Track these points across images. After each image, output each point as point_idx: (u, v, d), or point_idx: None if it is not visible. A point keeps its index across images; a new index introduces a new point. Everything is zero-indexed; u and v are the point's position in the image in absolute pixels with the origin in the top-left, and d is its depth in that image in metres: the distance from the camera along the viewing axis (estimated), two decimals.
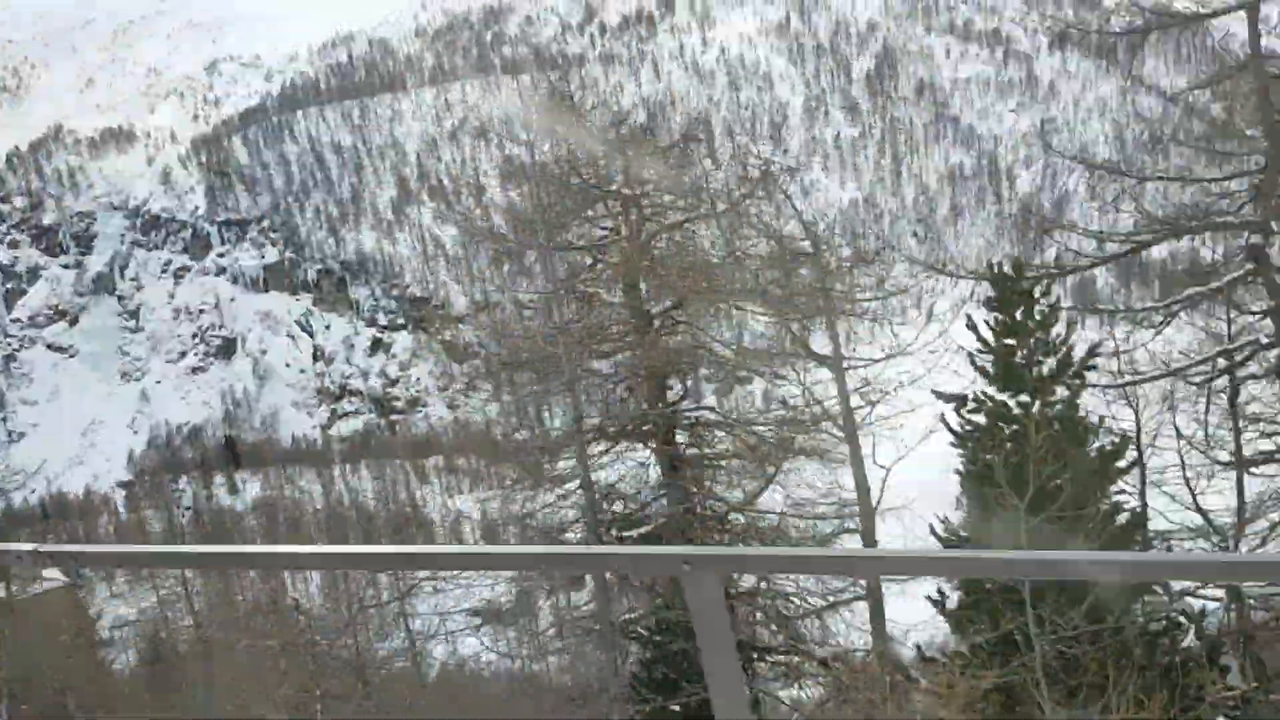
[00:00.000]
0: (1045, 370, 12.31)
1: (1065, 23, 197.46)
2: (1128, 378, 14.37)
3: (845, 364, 16.06)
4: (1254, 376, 14.54)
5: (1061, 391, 12.53)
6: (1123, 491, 13.49)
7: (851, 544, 15.77)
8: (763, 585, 15.37)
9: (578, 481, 15.75)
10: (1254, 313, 14.34)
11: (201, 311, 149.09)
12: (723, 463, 16.15)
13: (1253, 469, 14.30)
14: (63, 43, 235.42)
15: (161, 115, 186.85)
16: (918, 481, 15.29)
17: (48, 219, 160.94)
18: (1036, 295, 12.65)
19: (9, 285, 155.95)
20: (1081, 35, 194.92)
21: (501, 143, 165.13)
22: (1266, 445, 14.49)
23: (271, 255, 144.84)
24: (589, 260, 16.80)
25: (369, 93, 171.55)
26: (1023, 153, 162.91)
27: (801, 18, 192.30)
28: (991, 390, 12.53)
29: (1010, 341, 12.50)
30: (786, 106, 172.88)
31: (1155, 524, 14.07)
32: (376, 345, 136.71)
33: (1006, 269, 13.09)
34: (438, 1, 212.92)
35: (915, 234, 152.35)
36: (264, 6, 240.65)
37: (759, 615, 15.95)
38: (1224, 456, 14.35)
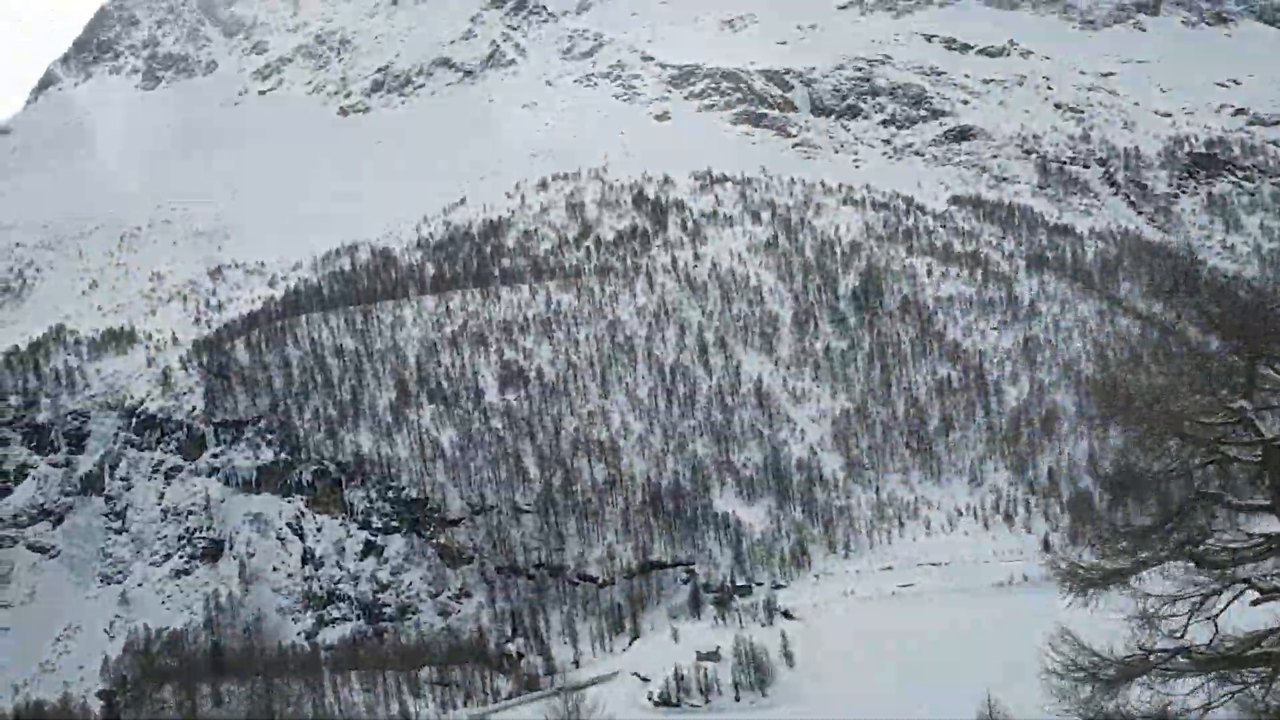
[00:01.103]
0: None
1: (1042, 248, 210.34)
2: None
3: None
4: None
5: None
6: None
7: None
8: None
9: None
10: None
11: (190, 513, 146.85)
12: None
13: None
14: (69, 248, 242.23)
15: (163, 318, 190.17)
16: None
17: (41, 417, 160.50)
18: None
19: None
20: (1058, 261, 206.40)
21: (502, 350, 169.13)
22: None
23: (267, 456, 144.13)
24: None
25: (371, 299, 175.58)
26: (1008, 368, 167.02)
27: (789, 237, 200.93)
28: None
29: None
30: (777, 319, 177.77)
31: None
32: (369, 549, 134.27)
33: None
34: (439, 216, 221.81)
35: (908, 445, 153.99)
36: (269, 218, 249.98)
37: None
38: None
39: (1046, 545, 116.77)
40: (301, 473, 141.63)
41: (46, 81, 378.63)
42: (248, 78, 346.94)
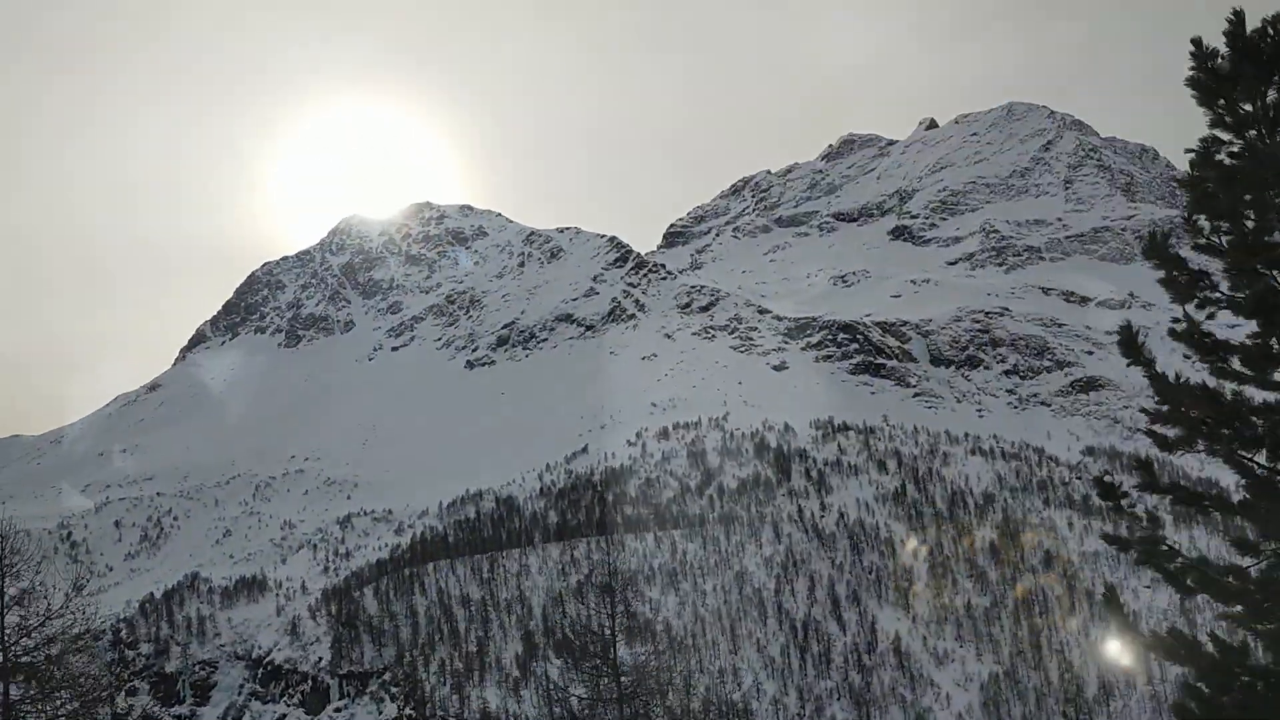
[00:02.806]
0: None
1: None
2: None
3: None
4: None
5: None
6: None
7: None
8: None
9: None
10: None
11: None
12: None
13: None
14: (206, 498, 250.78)
15: (293, 566, 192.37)
16: None
17: (170, 666, 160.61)
18: None
19: None
20: (1206, 517, 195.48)
21: (628, 601, 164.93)
22: None
23: (390, 711, 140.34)
24: None
25: (496, 547, 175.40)
26: (1165, 625, 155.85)
27: (917, 486, 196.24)
28: None
29: None
30: (912, 573, 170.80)
31: None
32: None
33: None
34: (561, 464, 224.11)
35: (1064, 713, 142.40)
36: (397, 467, 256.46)
37: None
38: None
39: None
40: None
41: (196, 340, 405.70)
42: (382, 335, 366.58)
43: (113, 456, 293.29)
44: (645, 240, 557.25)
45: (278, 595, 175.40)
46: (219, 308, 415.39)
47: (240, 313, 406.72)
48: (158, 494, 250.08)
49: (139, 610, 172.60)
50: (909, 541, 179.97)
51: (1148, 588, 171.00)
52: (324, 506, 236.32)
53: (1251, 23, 10.62)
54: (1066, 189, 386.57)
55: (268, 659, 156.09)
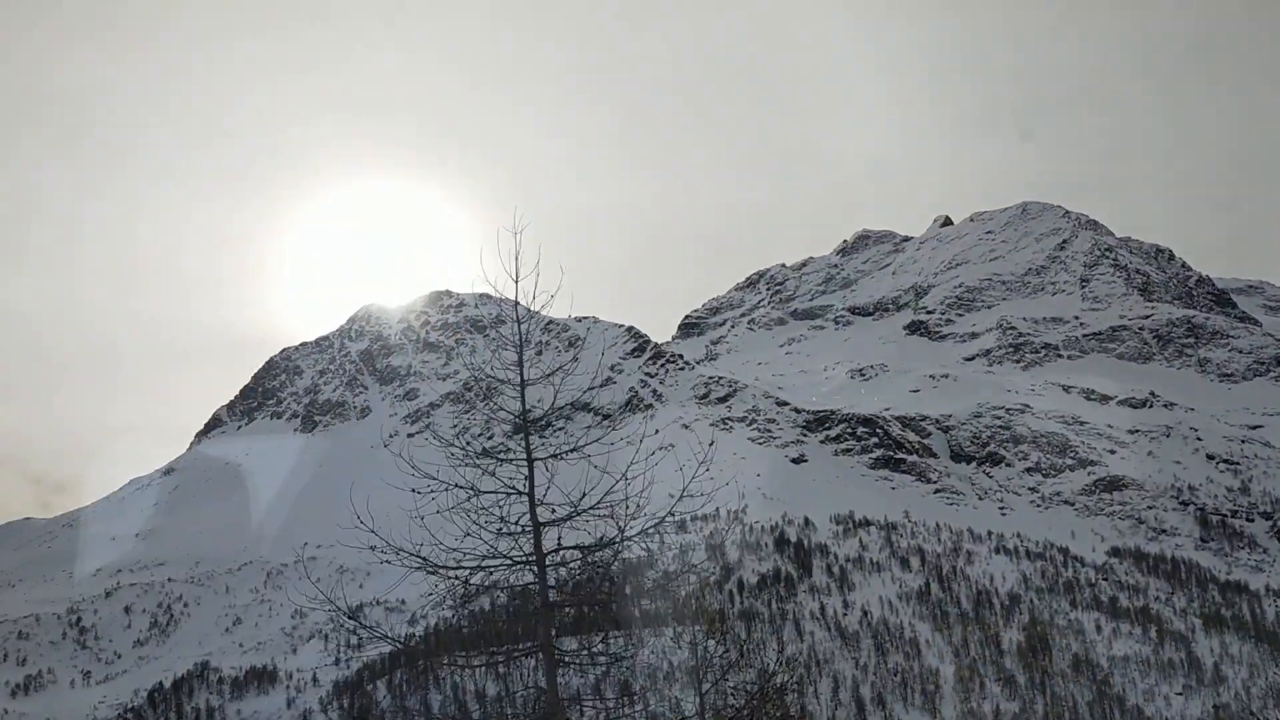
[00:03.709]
0: None
1: (1216, 605, 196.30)
2: None
3: None
4: None
5: None
6: None
7: None
8: None
9: None
10: None
11: None
12: None
13: None
14: (217, 584, 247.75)
15: (304, 656, 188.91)
16: None
17: None
18: None
19: None
20: (1236, 620, 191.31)
21: (647, 700, 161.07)
22: None
23: None
24: None
25: (511, 640, 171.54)
26: None
27: (941, 585, 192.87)
28: None
29: None
30: (937, 675, 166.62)
31: None
32: None
33: None
34: (577, 555, 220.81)
35: None
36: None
37: None
38: None
39: None
40: None
41: (211, 425, 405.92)
42: (398, 421, 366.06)
43: (124, 541, 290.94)
44: (659, 331, 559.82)
45: (288, 687, 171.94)
46: (236, 393, 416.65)
47: (257, 398, 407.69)
48: (169, 580, 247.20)
49: (147, 700, 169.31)
50: (934, 643, 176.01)
51: (1179, 694, 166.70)
52: (336, 595, 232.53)
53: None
54: (1083, 287, 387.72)
55: None
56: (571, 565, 17.95)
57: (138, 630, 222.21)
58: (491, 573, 17.20)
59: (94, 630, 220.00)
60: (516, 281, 17.34)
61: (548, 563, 17.47)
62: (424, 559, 17.10)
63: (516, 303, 17.40)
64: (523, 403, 17.98)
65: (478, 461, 17.73)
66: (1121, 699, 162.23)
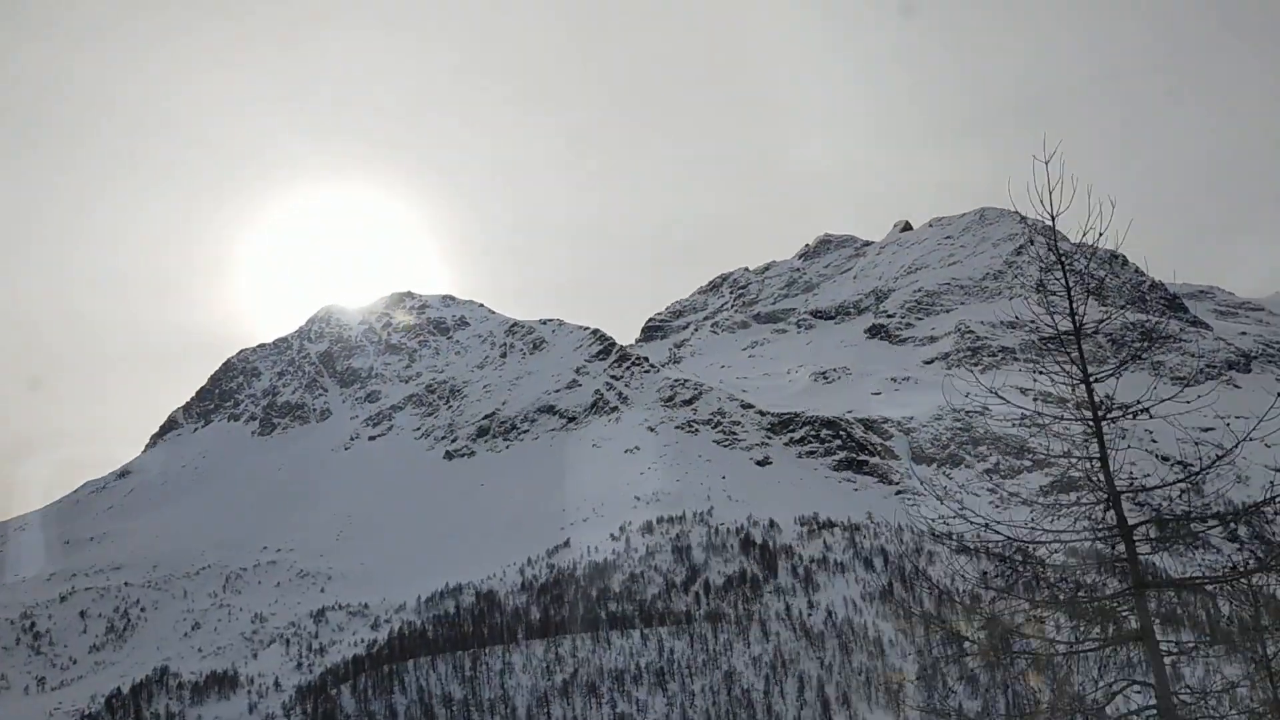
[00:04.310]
0: None
1: (1172, 605, 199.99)
2: None
3: None
4: None
5: None
6: None
7: None
8: None
9: None
10: None
11: None
12: None
13: None
14: (175, 588, 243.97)
15: (265, 661, 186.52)
16: None
17: None
18: None
19: None
20: (1192, 618, 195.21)
21: (614, 701, 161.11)
22: None
23: None
24: None
25: (479, 643, 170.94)
26: None
27: (904, 585, 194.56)
28: None
29: None
30: (901, 674, 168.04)
31: None
32: None
33: None
34: (543, 558, 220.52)
35: None
36: (372, 560, 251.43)
37: None
38: None
39: None
40: None
41: (168, 427, 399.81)
42: (359, 424, 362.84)
43: (79, 544, 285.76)
44: (622, 333, 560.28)
45: (249, 692, 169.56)
46: (192, 394, 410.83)
47: (214, 399, 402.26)
48: (125, 584, 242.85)
49: (105, 706, 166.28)
50: (897, 642, 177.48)
51: (1139, 692, 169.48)
52: (297, 599, 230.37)
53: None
54: (1038, 292, 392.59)
55: None
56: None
57: (94, 635, 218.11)
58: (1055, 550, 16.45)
59: (48, 635, 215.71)
60: (1054, 217, 15.18)
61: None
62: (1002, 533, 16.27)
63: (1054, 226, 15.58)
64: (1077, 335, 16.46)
65: (1039, 415, 16.48)
66: (1080, 696, 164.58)
